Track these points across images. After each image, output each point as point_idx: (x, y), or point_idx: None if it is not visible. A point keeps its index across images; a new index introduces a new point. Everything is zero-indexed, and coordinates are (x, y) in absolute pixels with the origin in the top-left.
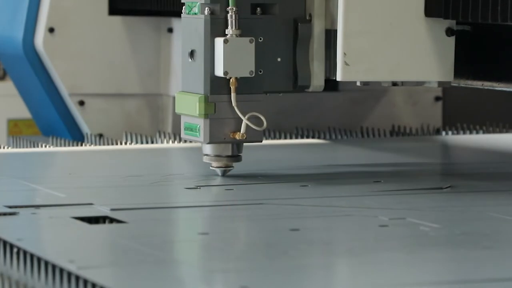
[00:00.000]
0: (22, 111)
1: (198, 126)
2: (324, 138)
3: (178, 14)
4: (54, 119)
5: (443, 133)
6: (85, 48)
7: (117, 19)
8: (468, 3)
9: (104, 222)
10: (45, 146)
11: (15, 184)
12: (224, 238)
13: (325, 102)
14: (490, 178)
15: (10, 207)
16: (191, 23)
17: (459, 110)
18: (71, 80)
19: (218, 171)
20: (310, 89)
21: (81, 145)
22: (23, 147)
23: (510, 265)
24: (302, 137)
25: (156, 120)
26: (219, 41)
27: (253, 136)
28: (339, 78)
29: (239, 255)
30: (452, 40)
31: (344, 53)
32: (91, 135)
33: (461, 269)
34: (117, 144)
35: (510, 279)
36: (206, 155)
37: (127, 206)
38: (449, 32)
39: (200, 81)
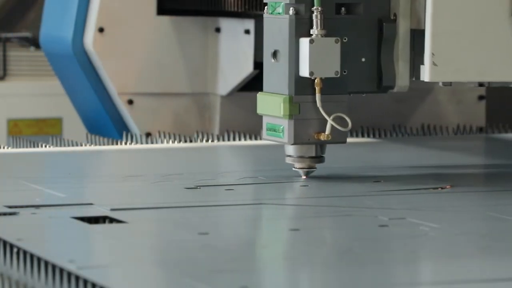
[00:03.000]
0: (22, 111)
1: (282, 127)
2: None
3: (225, 14)
4: (102, 118)
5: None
6: (134, 48)
7: (165, 19)
8: None
9: (104, 222)
10: (45, 146)
11: (15, 184)
12: (225, 238)
13: (369, 101)
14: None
15: (10, 207)
16: (274, 23)
17: (502, 109)
18: (120, 79)
19: (301, 172)
20: (395, 90)
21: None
22: (23, 147)
23: (510, 265)
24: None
25: (203, 119)
26: (304, 41)
27: (338, 137)
28: (427, 79)
29: (239, 255)
30: None
31: (432, 54)
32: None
33: (461, 269)
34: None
35: (510, 279)
36: (289, 156)
37: (127, 206)
38: None
39: (285, 82)
